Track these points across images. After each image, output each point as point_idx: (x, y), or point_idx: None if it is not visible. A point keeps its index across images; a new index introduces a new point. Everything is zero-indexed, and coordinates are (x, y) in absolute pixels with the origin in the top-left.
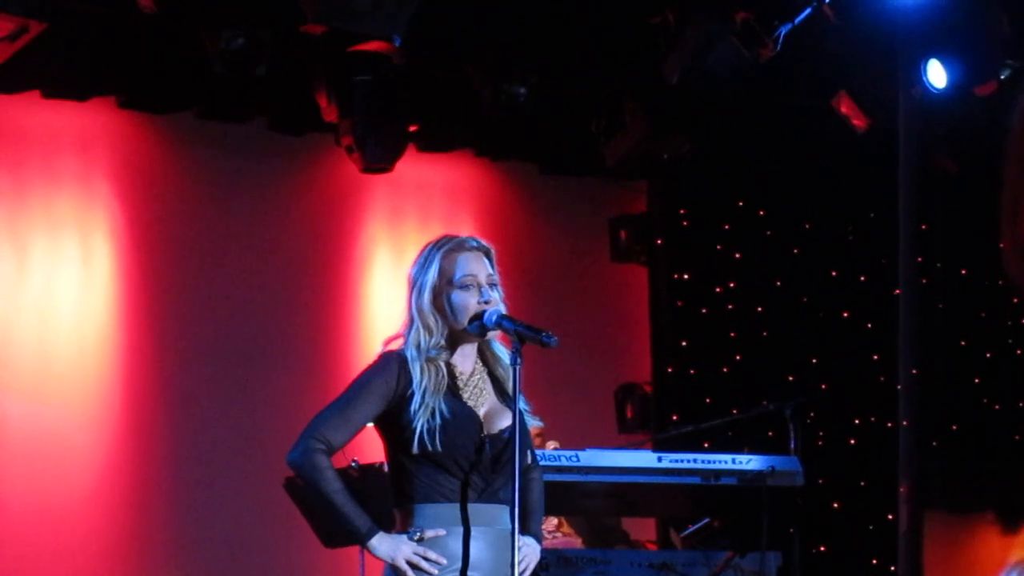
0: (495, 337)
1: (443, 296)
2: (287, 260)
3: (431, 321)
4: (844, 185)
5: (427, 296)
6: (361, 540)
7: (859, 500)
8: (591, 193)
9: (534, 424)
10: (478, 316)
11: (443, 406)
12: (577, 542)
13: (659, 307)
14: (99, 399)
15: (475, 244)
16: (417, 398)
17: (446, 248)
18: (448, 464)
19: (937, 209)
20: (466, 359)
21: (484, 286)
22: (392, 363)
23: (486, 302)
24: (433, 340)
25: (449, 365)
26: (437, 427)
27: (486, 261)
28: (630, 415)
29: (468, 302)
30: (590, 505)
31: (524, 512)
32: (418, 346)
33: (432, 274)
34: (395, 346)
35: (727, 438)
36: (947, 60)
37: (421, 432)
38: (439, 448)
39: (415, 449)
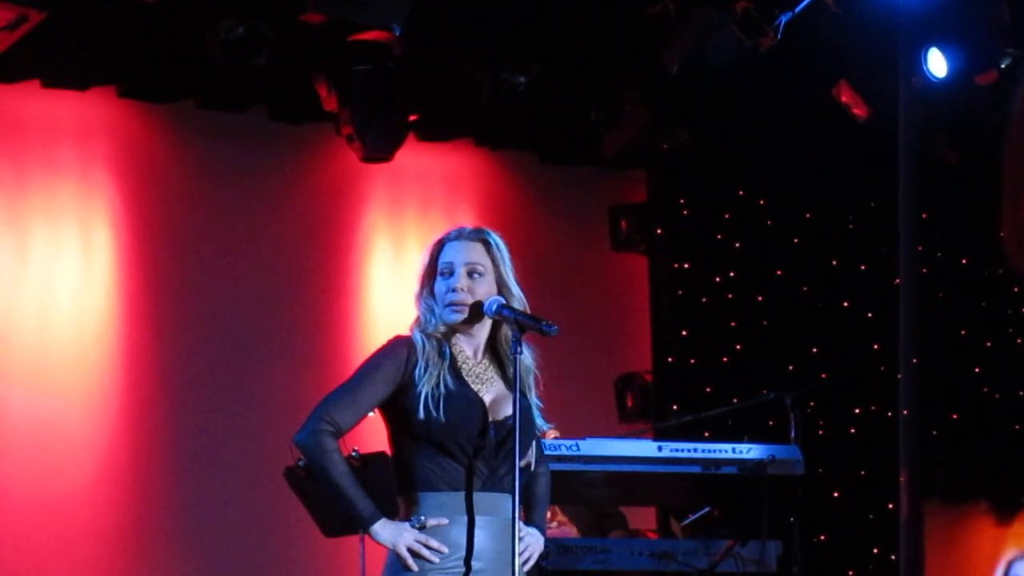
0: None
1: (430, 285)
2: (287, 249)
3: (423, 308)
4: (844, 174)
5: (417, 285)
6: (364, 525)
7: (859, 489)
8: (591, 182)
9: (542, 427)
10: (477, 305)
11: (447, 378)
12: (573, 531)
13: (659, 296)
14: (99, 389)
15: (468, 233)
16: (420, 366)
17: (442, 237)
18: (451, 447)
19: (937, 198)
20: (470, 345)
21: (459, 272)
22: (401, 346)
23: (453, 289)
24: (431, 327)
25: (455, 349)
26: (441, 396)
27: (479, 249)
28: (630, 404)
29: (441, 288)
30: (590, 494)
31: (529, 503)
32: (422, 331)
33: (427, 262)
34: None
35: (727, 427)
36: (948, 49)
37: (426, 398)
38: (442, 418)
39: (420, 415)
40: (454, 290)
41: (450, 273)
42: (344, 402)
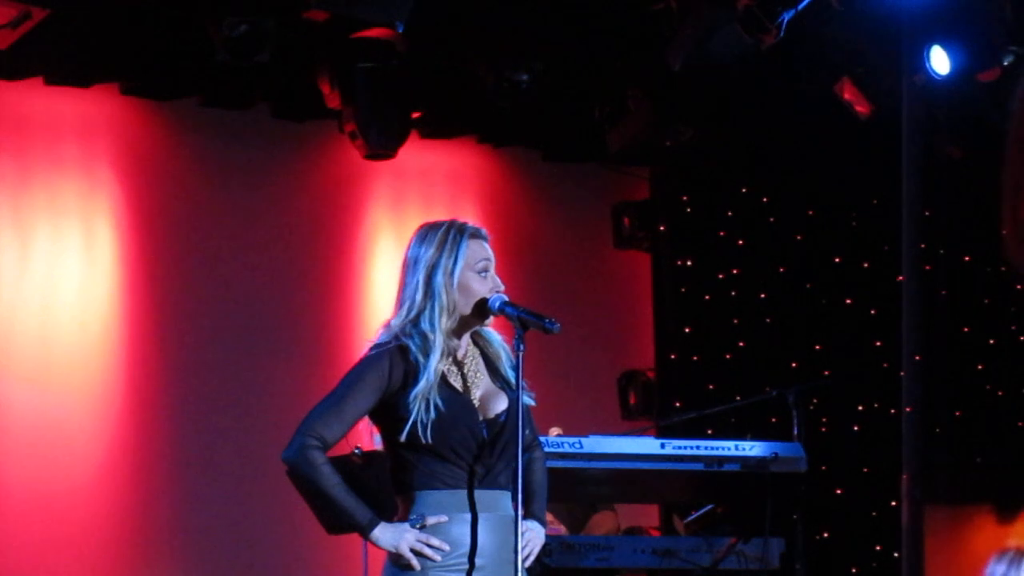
0: (490, 323)
1: (465, 280)
2: (290, 247)
3: (451, 305)
4: (847, 172)
5: (456, 278)
6: (363, 532)
7: (862, 486)
8: (594, 180)
9: (527, 402)
10: (483, 302)
11: (438, 400)
12: (561, 530)
13: (662, 294)
14: (101, 386)
15: (484, 232)
16: (422, 383)
17: (468, 233)
18: (447, 454)
19: (940, 196)
20: (463, 341)
21: (492, 271)
22: (384, 357)
23: (498, 289)
24: (450, 323)
25: (450, 350)
26: (431, 421)
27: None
28: (633, 402)
29: (483, 288)
30: (593, 492)
31: (527, 495)
32: (440, 326)
33: (461, 258)
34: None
35: (730, 424)
36: (950, 46)
37: (415, 425)
38: (431, 441)
39: (404, 438)
40: (501, 291)
41: (488, 272)
42: (329, 416)
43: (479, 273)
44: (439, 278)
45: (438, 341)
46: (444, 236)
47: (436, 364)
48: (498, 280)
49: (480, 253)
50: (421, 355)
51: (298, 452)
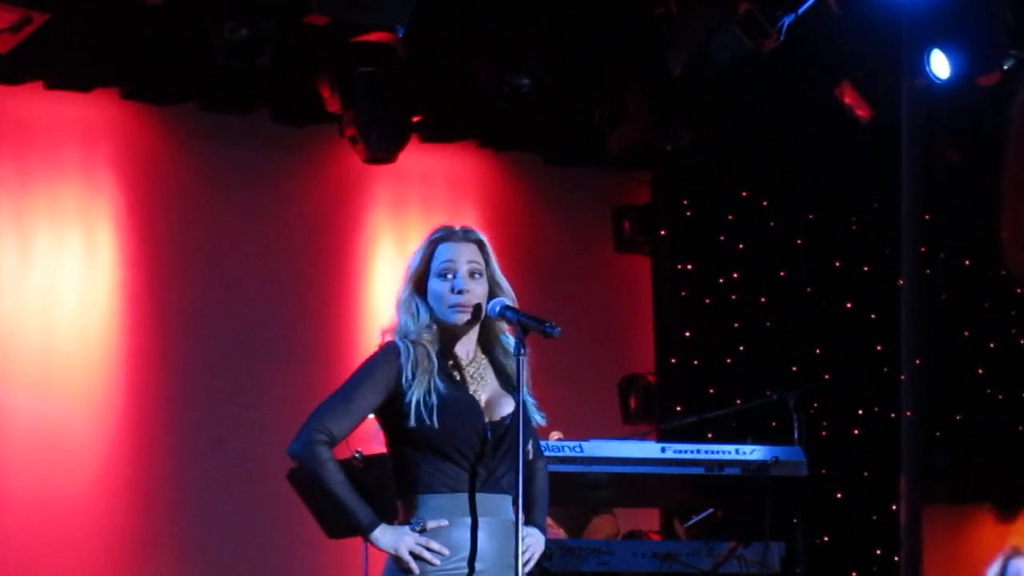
0: (504, 329)
1: (425, 284)
2: (291, 251)
3: (412, 308)
4: (847, 175)
5: (410, 284)
6: (363, 532)
7: (862, 490)
8: (594, 183)
9: (537, 420)
10: (480, 307)
11: (438, 383)
12: (560, 533)
13: (662, 298)
14: (102, 390)
15: (462, 234)
16: (407, 374)
17: (434, 237)
18: (450, 452)
19: (940, 199)
20: (463, 345)
21: (461, 272)
22: (392, 352)
23: (460, 291)
24: (416, 326)
25: (445, 351)
26: (434, 405)
27: (474, 250)
28: (634, 406)
29: (443, 289)
30: (593, 496)
31: (528, 502)
32: (404, 334)
33: (418, 262)
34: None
35: (731, 428)
36: (950, 50)
37: (418, 406)
38: (435, 425)
39: (412, 423)
40: (460, 292)
41: (451, 274)
42: (337, 411)
43: (442, 276)
44: (401, 294)
45: (410, 354)
46: (422, 243)
47: (411, 362)
48: (468, 280)
49: (445, 255)
50: (421, 358)
51: (305, 446)
